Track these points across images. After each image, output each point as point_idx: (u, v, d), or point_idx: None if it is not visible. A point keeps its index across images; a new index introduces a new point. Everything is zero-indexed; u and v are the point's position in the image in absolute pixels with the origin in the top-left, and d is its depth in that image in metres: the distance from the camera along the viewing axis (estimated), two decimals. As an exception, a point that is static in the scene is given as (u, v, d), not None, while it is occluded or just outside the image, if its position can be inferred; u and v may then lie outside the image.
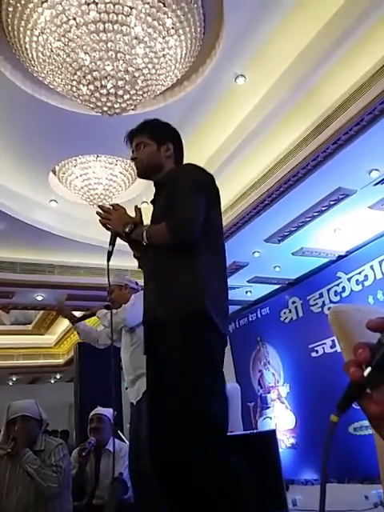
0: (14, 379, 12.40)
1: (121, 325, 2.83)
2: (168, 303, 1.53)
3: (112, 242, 1.78)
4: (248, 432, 4.35)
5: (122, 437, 3.30)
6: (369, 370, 0.57)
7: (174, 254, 1.58)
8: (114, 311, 2.84)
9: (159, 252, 1.63)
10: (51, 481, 2.32)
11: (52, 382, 13.06)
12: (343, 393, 0.61)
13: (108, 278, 1.89)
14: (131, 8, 2.91)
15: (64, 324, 9.39)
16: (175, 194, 1.64)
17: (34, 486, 2.34)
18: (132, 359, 2.77)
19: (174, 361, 1.43)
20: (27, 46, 3.12)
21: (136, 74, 3.21)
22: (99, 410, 3.33)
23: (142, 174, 1.88)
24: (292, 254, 5.98)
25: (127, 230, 1.70)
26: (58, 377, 12.61)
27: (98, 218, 1.79)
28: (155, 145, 1.82)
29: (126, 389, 2.81)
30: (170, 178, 1.74)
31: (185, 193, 1.64)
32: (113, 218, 1.76)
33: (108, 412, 3.31)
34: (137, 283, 3.09)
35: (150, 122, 1.90)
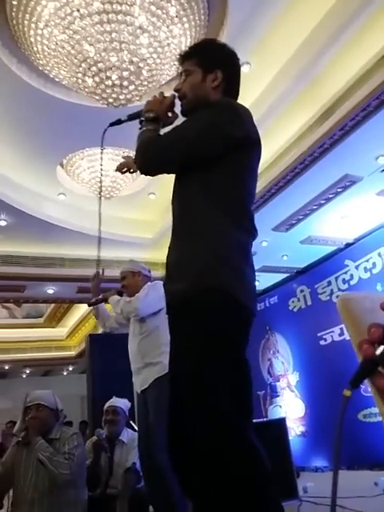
0: (28, 372, 12.57)
1: (133, 314, 2.81)
2: (179, 279, 1.35)
3: (131, 117, 1.60)
4: (258, 420, 4.39)
5: (134, 427, 3.33)
6: (382, 348, 0.62)
7: (187, 214, 1.41)
8: (128, 299, 2.82)
9: (178, 205, 1.47)
10: (63, 468, 2.35)
11: (64, 373, 13.22)
12: (356, 369, 0.64)
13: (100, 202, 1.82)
14: (134, -2, 2.90)
15: (75, 316, 9.47)
16: None
17: (49, 475, 2.38)
18: (139, 348, 2.77)
19: (185, 349, 1.29)
20: (32, 40, 3.13)
21: (141, 65, 3.20)
22: (114, 401, 3.34)
23: (185, 110, 1.53)
24: (300, 242, 5.97)
25: (147, 114, 1.51)
26: (70, 369, 12.76)
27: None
28: (201, 73, 1.51)
29: None
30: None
31: (183, 125, 1.44)
32: (158, 98, 1.55)
33: (123, 404, 3.33)
34: (150, 271, 3.06)
35: (200, 44, 1.65)
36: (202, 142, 1.39)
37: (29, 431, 2.42)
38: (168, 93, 1.58)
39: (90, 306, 3.03)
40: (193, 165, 1.42)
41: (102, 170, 1.76)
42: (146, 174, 1.53)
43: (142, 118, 1.54)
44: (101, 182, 2.08)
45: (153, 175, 1.55)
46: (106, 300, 2.96)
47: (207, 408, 1.23)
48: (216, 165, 1.39)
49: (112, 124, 1.63)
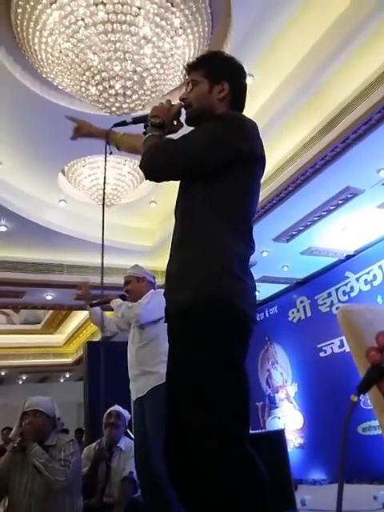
0: (24, 378, 12.51)
1: (133, 320, 2.78)
2: (179, 289, 1.35)
3: (136, 120, 1.61)
4: (256, 432, 4.35)
5: (131, 435, 3.32)
6: None
7: (189, 223, 1.42)
8: (130, 305, 2.80)
9: (180, 214, 1.48)
10: (58, 474, 2.34)
11: (61, 380, 13.15)
12: (364, 376, 0.65)
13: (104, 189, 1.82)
14: (139, 8, 2.93)
15: (73, 323, 9.45)
16: None
17: (45, 481, 2.36)
18: (138, 355, 2.75)
19: (184, 357, 1.29)
20: (36, 48, 3.15)
21: (144, 74, 3.22)
22: (117, 407, 3.36)
23: (190, 120, 1.54)
24: (300, 253, 5.97)
25: (153, 119, 1.52)
26: (67, 376, 12.69)
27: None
28: (208, 83, 1.51)
29: None
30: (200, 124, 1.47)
31: (191, 134, 1.44)
32: (166, 105, 1.56)
33: (125, 412, 3.34)
34: (154, 277, 3.03)
35: (208, 55, 1.65)
36: (209, 153, 1.40)
37: (24, 437, 2.41)
38: (175, 101, 1.59)
39: (91, 306, 3.00)
40: (198, 175, 1.43)
41: (105, 165, 1.75)
42: (151, 180, 1.52)
43: (148, 123, 1.54)
44: (105, 183, 2.09)
45: (158, 182, 1.55)
46: (108, 302, 2.95)
47: (205, 417, 1.23)
48: (221, 177, 1.40)
49: (116, 125, 1.64)
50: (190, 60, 1.66)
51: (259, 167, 1.48)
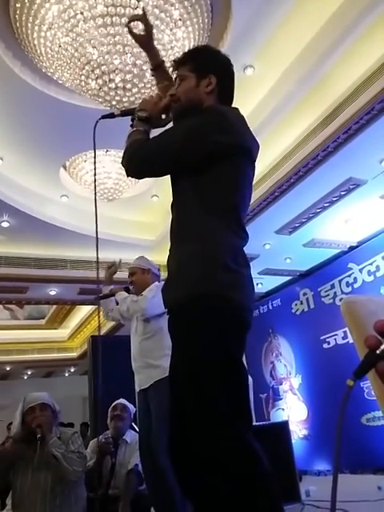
0: (29, 373, 12.57)
1: (139, 313, 2.76)
2: (176, 286, 1.37)
3: (124, 113, 1.64)
4: (260, 423, 4.37)
5: (136, 428, 3.34)
6: None
7: (182, 219, 1.45)
8: (135, 298, 2.79)
9: (174, 210, 1.49)
10: (77, 465, 2.40)
11: (66, 375, 13.21)
12: (361, 360, 0.66)
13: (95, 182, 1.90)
14: (138, 1, 2.90)
15: (77, 318, 9.48)
16: None
17: (52, 473, 2.39)
18: (141, 347, 2.75)
19: (183, 352, 1.32)
20: (36, 42, 3.13)
21: (144, 67, 3.20)
22: (123, 400, 3.38)
23: (178, 114, 1.56)
24: (303, 245, 5.96)
25: (140, 113, 1.55)
26: (72, 370, 12.75)
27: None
28: (195, 78, 1.53)
29: None
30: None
31: (171, 131, 1.47)
32: (154, 99, 1.59)
33: (130, 405, 3.36)
34: (159, 269, 3.00)
35: (194, 50, 1.67)
36: (187, 148, 1.41)
37: (43, 429, 2.42)
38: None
39: (100, 299, 3.01)
40: (181, 170, 1.45)
41: (95, 163, 1.79)
42: (132, 176, 1.57)
43: (134, 117, 1.56)
44: (95, 181, 2.09)
45: (139, 178, 1.60)
46: (113, 295, 2.95)
47: (204, 412, 1.25)
48: (206, 171, 1.41)
49: (104, 117, 1.66)
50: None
51: (244, 158, 1.48)
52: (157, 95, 1.62)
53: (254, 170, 1.55)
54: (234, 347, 1.33)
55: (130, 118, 1.61)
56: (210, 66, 1.55)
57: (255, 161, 1.54)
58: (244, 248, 1.45)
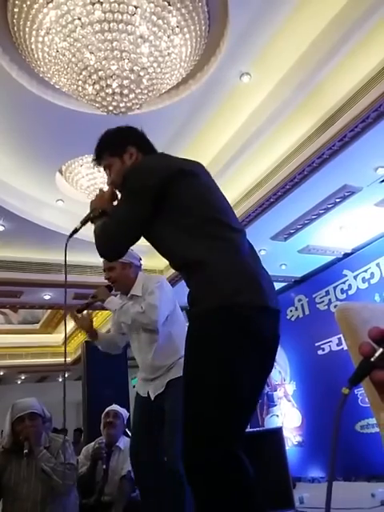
0: (23, 378, 12.49)
1: (149, 326, 2.42)
2: (197, 302, 1.46)
3: (84, 222, 1.83)
4: (255, 430, 4.36)
5: (130, 434, 3.32)
6: (380, 351, 0.64)
7: (175, 257, 1.56)
8: (141, 310, 2.40)
9: (163, 255, 1.62)
10: (67, 478, 2.33)
11: (60, 380, 13.13)
12: (356, 368, 0.66)
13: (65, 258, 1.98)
14: (136, 7, 2.92)
15: (72, 323, 9.40)
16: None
17: (43, 484, 2.35)
18: (155, 358, 2.48)
19: (188, 361, 1.40)
20: (33, 47, 3.14)
21: (141, 73, 3.22)
22: (115, 406, 3.35)
23: (122, 188, 1.72)
24: (298, 251, 5.97)
25: (94, 213, 1.75)
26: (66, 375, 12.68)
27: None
28: (118, 159, 1.72)
29: (134, 387, 2.75)
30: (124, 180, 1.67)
31: (119, 203, 1.66)
32: (99, 195, 1.79)
33: (123, 411, 3.33)
34: (140, 259, 2.68)
35: (102, 139, 1.79)
36: (136, 207, 1.54)
37: (30, 441, 2.37)
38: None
39: (78, 312, 2.67)
40: (148, 223, 1.55)
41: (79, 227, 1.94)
42: (111, 256, 1.74)
43: (92, 219, 1.75)
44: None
45: (118, 256, 1.75)
46: (95, 297, 2.61)
47: (192, 416, 1.31)
48: (169, 207, 1.52)
49: (71, 235, 1.87)
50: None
51: (186, 176, 1.56)
52: (100, 190, 1.80)
53: (207, 175, 1.64)
54: (235, 354, 1.36)
55: (78, 230, 1.86)
56: (123, 142, 1.73)
57: (201, 172, 1.63)
58: (245, 237, 1.54)
